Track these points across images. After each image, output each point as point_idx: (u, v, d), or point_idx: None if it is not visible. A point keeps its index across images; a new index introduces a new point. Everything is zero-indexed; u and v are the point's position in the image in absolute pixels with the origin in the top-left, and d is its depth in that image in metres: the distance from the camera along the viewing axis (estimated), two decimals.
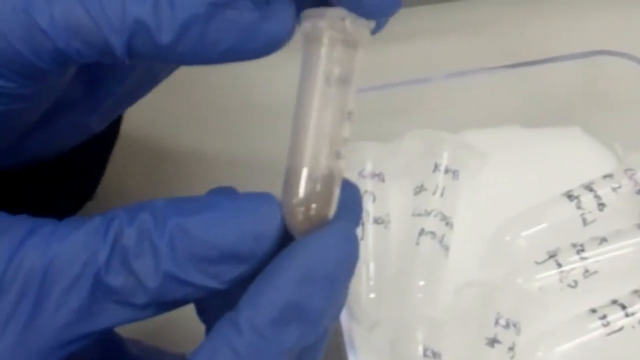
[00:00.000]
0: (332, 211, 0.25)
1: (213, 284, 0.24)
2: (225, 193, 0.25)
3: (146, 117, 0.42)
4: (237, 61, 0.25)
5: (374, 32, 0.27)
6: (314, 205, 0.24)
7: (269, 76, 0.43)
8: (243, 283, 0.25)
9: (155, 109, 0.40)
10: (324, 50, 0.25)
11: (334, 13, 0.24)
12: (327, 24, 0.24)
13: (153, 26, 0.24)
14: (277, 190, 0.25)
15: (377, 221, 0.38)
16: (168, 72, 0.34)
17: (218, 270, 0.24)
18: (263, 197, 0.25)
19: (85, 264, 0.24)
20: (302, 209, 0.24)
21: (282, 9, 0.24)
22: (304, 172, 0.24)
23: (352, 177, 0.37)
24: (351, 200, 0.26)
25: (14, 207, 0.29)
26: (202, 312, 0.28)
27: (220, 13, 0.24)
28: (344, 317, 0.33)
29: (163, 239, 0.24)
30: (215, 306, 0.27)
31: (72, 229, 0.24)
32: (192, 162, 0.46)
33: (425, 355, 0.34)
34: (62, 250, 0.24)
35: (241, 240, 0.24)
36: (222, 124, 0.45)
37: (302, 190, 0.24)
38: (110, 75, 0.32)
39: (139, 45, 0.24)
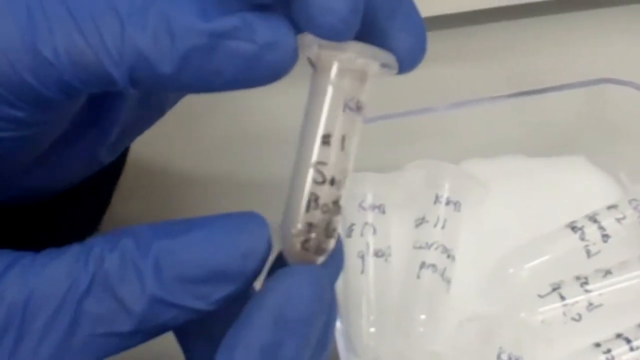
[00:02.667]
0: (332, 242, 0.25)
1: (201, 305, 0.24)
2: (212, 215, 0.25)
3: (151, 145, 0.42)
4: (241, 89, 0.25)
5: (402, 70, 0.27)
6: (313, 235, 0.24)
7: (275, 101, 0.43)
8: (229, 305, 0.25)
9: (160, 136, 0.40)
10: (332, 82, 0.24)
11: (346, 45, 0.24)
12: (337, 55, 0.24)
13: (153, 57, 0.24)
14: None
15: (377, 254, 0.37)
16: (174, 102, 0.34)
17: (205, 290, 0.24)
18: (250, 216, 0.25)
19: (67, 294, 0.24)
20: (301, 238, 0.24)
21: (283, 38, 0.24)
22: (304, 201, 0.24)
23: (352, 208, 0.38)
24: (334, 250, 0.26)
25: (17, 239, 0.29)
26: (186, 347, 0.28)
27: (220, 44, 0.24)
28: (343, 351, 0.33)
29: (147, 262, 0.24)
30: (199, 339, 0.28)
31: (52, 259, 0.24)
32: (197, 191, 0.45)
33: None
34: (42, 281, 0.24)
35: (229, 259, 0.24)
36: (228, 150, 0.45)
37: (301, 220, 0.24)
38: (116, 106, 0.32)
39: (140, 76, 0.24)
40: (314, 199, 0.24)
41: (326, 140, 0.24)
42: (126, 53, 0.24)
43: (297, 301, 0.24)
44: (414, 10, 0.28)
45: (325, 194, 0.24)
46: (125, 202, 0.42)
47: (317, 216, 0.24)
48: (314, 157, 0.24)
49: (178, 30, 0.24)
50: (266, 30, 0.24)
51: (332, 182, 0.25)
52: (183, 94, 0.34)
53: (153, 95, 0.33)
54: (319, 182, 0.24)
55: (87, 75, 0.24)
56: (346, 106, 0.25)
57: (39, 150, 0.29)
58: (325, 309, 0.25)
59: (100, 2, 0.24)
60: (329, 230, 0.25)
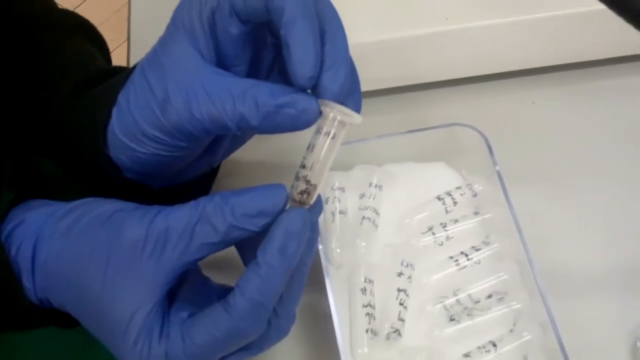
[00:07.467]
0: (312, 201, 0.34)
1: (254, 227, 0.33)
2: (260, 185, 0.33)
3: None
4: (293, 132, 0.33)
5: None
6: (305, 196, 0.34)
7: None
8: (265, 230, 0.32)
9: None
10: (329, 123, 0.34)
11: (339, 107, 0.33)
12: (333, 113, 0.33)
13: (248, 117, 0.33)
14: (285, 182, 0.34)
15: (341, 212, 0.50)
16: (249, 138, 0.46)
17: (256, 220, 0.32)
18: (278, 185, 0.33)
19: (186, 224, 0.32)
20: (299, 196, 0.34)
21: (311, 106, 0.33)
22: (303, 179, 0.34)
23: (328, 189, 0.50)
24: (315, 203, 0.35)
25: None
26: (242, 253, 0.37)
27: (282, 110, 0.33)
28: (324, 261, 0.46)
29: (227, 207, 0.32)
30: (248, 248, 0.36)
31: (178, 208, 0.33)
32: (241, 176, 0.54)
33: (365, 281, 0.46)
34: (174, 219, 0.33)
35: (267, 205, 0.32)
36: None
37: (299, 187, 0.34)
38: (220, 141, 0.43)
39: (242, 125, 0.34)
40: (296, 174, 0.34)
41: (308, 147, 0.34)
42: (235, 115, 0.33)
43: (293, 223, 0.32)
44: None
45: (300, 171, 0.34)
46: (218, 184, 0.53)
47: (295, 183, 0.34)
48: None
49: (260, 103, 0.33)
50: (302, 103, 0.32)
51: (304, 166, 0.34)
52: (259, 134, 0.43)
53: (241, 135, 0.45)
54: (300, 166, 0.34)
55: (216, 126, 0.34)
56: (318, 132, 0.34)
57: (187, 161, 0.41)
58: (308, 228, 0.33)
59: (223, 88, 0.33)
60: (301, 191, 0.33)
